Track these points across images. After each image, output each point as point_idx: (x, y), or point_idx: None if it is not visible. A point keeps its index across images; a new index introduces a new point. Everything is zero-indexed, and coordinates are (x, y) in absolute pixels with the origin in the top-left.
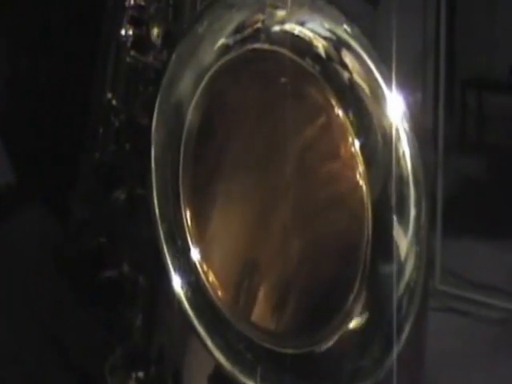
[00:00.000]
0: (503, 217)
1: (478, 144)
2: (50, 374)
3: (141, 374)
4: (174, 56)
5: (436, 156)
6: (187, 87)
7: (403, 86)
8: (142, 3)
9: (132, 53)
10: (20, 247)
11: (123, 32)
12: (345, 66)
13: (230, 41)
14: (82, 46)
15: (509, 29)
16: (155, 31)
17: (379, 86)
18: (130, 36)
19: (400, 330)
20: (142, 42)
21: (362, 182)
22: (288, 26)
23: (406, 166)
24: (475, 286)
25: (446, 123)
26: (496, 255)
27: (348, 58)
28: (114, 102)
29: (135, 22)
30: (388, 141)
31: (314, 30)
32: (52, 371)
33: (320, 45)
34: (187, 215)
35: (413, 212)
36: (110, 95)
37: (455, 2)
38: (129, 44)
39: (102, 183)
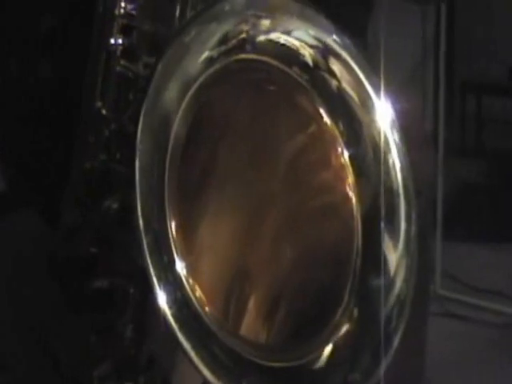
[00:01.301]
0: (503, 221)
1: (478, 147)
2: (37, 381)
3: None
4: (160, 65)
5: (435, 159)
6: (173, 97)
7: (393, 93)
8: (132, 12)
9: (122, 62)
10: (11, 254)
11: (113, 41)
12: (333, 74)
13: (215, 53)
14: (72, 55)
15: (508, 32)
16: (145, 40)
17: (368, 95)
18: (120, 45)
19: (389, 342)
20: (131, 50)
21: (351, 193)
22: (273, 36)
23: (397, 178)
24: (475, 290)
25: (446, 127)
26: (496, 260)
27: (336, 66)
28: (103, 110)
29: (125, 31)
30: (378, 151)
31: (300, 38)
32: (41, 380)
33: (307, 53)
34: (173, 227)
35: (403, 224)
36: (99, 104)
37: (454, 6)
38: (118, 53)
39: (93, 192)
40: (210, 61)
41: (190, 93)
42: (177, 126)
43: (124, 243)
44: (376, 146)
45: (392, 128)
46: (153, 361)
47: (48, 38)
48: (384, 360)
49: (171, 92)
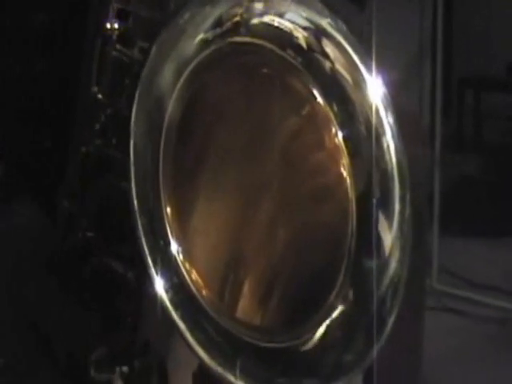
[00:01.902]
0: (500, 215)
1: (476, 142)
2: (34, 368)
3: (125, 369)
4: (154, 47)
5: (433, 154)
6: (168, 79)
7: (387, 75)
8: None
9: (117, 46)
10: (6, 240)
11: (108, 25)
12: (326, 56)
13: (210, 35)
14: (68, 40)
15: (506, 27)
16: (140, 25)
17: (361, 75)
18: (116, 29)
19: (383, 324)
20: (127, 35)
21: (346, 175)
22: (267, 18)
23: (391, 161)
24: (472, 285)
25: (444, 122)
26: (493, 254)
27: (329, 48)
28: (99, 95)
29: (120, 16)
30: (370, 128)
31: (293, 20)
32: (37, 365)
33: (300, 35)
34: (168, 211)
35: (397, 206)
36: (95, 89)
37: (452, 1)
38: (114, 37)
39: (89, 177)
40: (205, 43)
41: (185, 75)
42: (171, 109)
43: (120, 227)
44: (370, 128)
45: (386, 110)
46: (148, 345)
47: (44, 33)
48: (377, 342)
49: (166, 74)
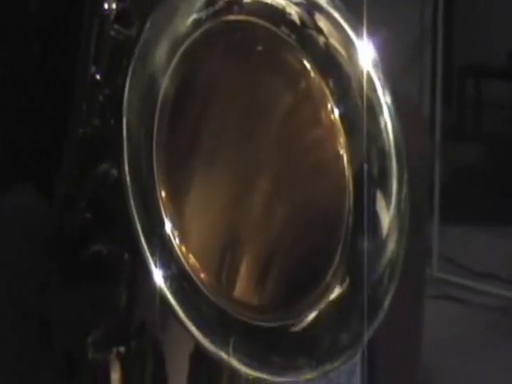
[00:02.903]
0: (501, 204)
1: (476, 131)
2: (31, 349)
3: (122, 349)
4: (148, 24)
5: (433, 143)
6: (162, 57)
7: (375, 35)
8: None
9: (115, 26)
10: (4, 223)
11: (106, 5)
12: (320, 31)
13: (203, 15)
14: (66, 20)
15: (507, 16)
16: (138, 5)
17: (354, 46)
18: (114, 9)
19: (379, 305)
20: (125, 15)
21: (342, 152)
22: None
23: (388, 139)
24: (473, 273)
25: (444, 111)
26: (493, 242)
27: (322, 22)
28: (97, 76)
29: None
30: (368, 108)
31: None
32: (33, 346)
33: (293, 11)
34: (162, 193)
35: (395, 185)
36: (93, 69)
37: None
38: (112, 17)
39: (87, 158)
40: (198, 23)
41: (179, 54)
42: (165, 87)
43: (118, 210)
44: (367, 103)
45: (383, 89)
46: (144, 326)
47: (41, 14)
48: (371, 322)
49: (160, 52)
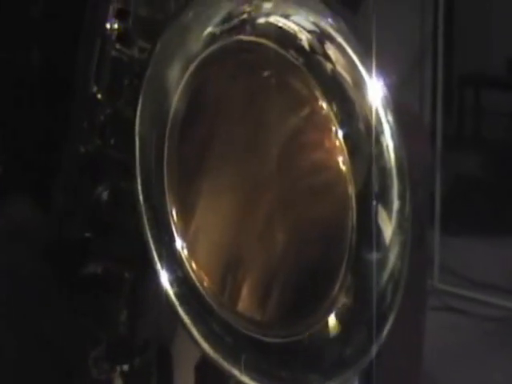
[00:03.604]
0: (502, 214)
1: (476, 140)
2: (33, 366)
3: (125, 367)
4: (158, 46)
5: (434, 152)
6: (174, 76)
7: (384, 74)
8: None
9: (117, 46)
10: (3, 238)
11: (108, 25)
12: (328, 58)
13: (217, 30)
14: (68, 39)
15: (506, 24)
16: (140, 25)
17: (361, 76)
18: (115, 29)
19: (384, 320)
20: (127, 35)
21: (346, 172)
22: (273, 19)
23: (390, 159)
24: (474, 284)
25: (444, 119)
26: (495, 253)
27: (331, 51)
28: (99, 95)
29: (120, 16)
30: (371, 131)
31: (298, 23)
32: (35, 363)
33: (304, 37)
34: (172, 206)
35: (396, 203)
36: (95, 89)
37: None
38: (114, 37)
39: (87, 177)
40: (213, 37)
41: (190, 70)
42: (176, 105)
43: (118, 227)
44: (369, 126)
45: (386, 109)
46: (148, 343)
47: (42, 22)
48: (377, 337)
49: (171, 72)
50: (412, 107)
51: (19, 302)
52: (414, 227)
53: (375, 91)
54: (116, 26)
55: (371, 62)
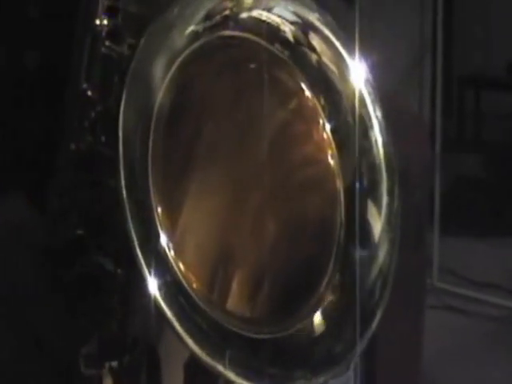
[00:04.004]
0: (501, 214)
1: (476, 141)
2: (23, 363)
3: (114, 364)
4: (143, 41)
5: (433, 153)
6: (158, 72)
7: (369, 61)
8: None
9: (107, 43)
10: None
11: (98, 22)
12: (313, 49)
13: (200, 28)
14: (57, 36)
15: (506, 26)
16: (130, 21)
17: (347, 67)
18: (105, 26)
19: (372, 315)
20: (116, 32)
21: (334, 166)
22: (256, 13)
23: (379, 154)
24: (473, 283)
25: (444, 121)
26: (494, 253)
27: (315, 41)
28: (89, 92)
29: (110, 12)
30: (359, 124)
31: (280, 14)
32: (25, 360)
33: (288, 29)
34: (157, 206)
35: (385, 199)
36: (85, 86)
37: (452, 0)
38: (104, 34)
39: (79, 174)
40: (195, 35)
41: (174, 68)
42: (160, 102)
43: (111, 225)
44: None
45: (374, 104)
46: (137, 340)
47: (32, 20)
48: (364, 333)
49: (155, 68)
50: (411, 108)
51: (11, 300)
52: (414, 227)
53: (360, 78)
54: (106, 22)
55: (355, 52)
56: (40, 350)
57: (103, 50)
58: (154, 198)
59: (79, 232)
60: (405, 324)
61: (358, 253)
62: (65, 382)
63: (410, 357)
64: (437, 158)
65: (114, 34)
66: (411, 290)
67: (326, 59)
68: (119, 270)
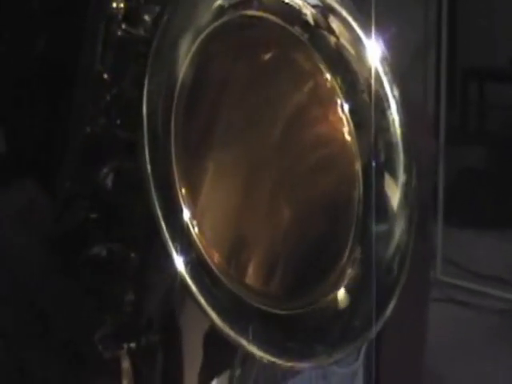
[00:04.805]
0: (504, 207)
1: (480, 134)
2: (39, 350)
3: (132, 345)
4: (166, 18)
5: (437, 146)
6: (180, 49)
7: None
8: None
9: (123, 26)
10: (8, 221)
11: (114, 4)
12: (332, 32)
13: (226, 3)
14: (73, 18)
15: (510, 18)
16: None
17: (365, 48)
18: (121, 8)
19: (390, 294)
20: (133, 14)
21: (351, 144)
22: None
23: (396, 133)
24: (476, 276)
25: (448, 113)
26: (497, 246)
27: (335, 24)
28: (104, 75)
29: None
30: (375, 102)
31: None
32: (41, 347)
33: (309, 12)
34: (180, 184)
35: (402, 177)
36: (100, 68)
37: None
38: (120, 17)
39: (92, 157)
40: (221, 10)
41: (196, 43)
42: (182, 78)
43: (124, 208)
44: (374, 99)
45: (391, 84)
46: (154, 321)
47: (44, 18)
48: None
49: (179, 44)
50: (416, 100)
51: (25, 286)
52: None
53: (375, 53)
54: (122, 5)
55: (371, 26)
56: (56, 336)
57: (119, 32)
58: (177, 176)
59: (91, 215)
60: (408, 316)
61: (375, 228)
62: (79, 368)
63: (413, 349)
64: (440, 150)
65: (130, 16)
66: (415, 282)
67: (344, 41)
68: (133, 253)
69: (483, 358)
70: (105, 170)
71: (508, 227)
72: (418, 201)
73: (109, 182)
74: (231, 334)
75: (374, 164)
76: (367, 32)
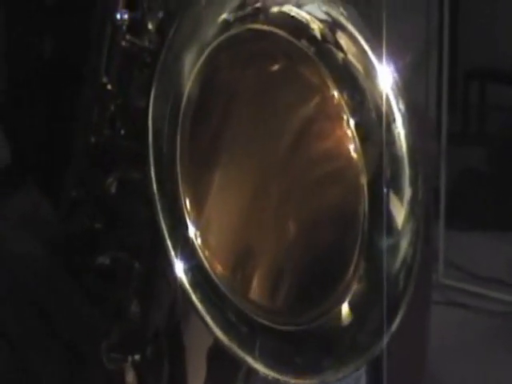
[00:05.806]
0: (506, 209)
1: (481, 135)
2: (44, 359)
3: (137, 357)
4: (173, 31)
5: (439, 147)
6: (187, 62)
7: (395, 61)
8: None
9: (127, 36)
10: (13, 229)
11: (118, 16)
12: (339, 47)
13: (231, 17)
14: (77, 30)
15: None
16: (150, 14)
17: (372, 64)
18: (126, 20)
19: (396, 306)
20: (137, 25)
21: (357, 160)
22: (286, 8)
23: (401, 147)
24: (478, 279)
25: (449, 114)
26: (499, 248)
27: (343, 40)
28: (109, 86)
29: (130, 6)
30: (381, 116)
31: (311, 12)
32: (45, 355)
33: (316, 27)
34: (185, 195)
35: (408, 190)
36: (105, 79)
37: None
38: (124, 28)
39: (97, 167)
40: (226, 24)
41: (203, 57)
42: (188, 92)
43: (128, 217)
44: (381, 115)
45: (397, 97)
46: (159, 333)
47: (51, 13)
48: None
49: (185, 57)
50: (418, 102)
51: (29, 294)
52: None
53: (386, 78)
54: (126, 16)
55: (382, 50)
56: (61, 346)
57: (124, 43)
58: (182, 188)
59: (96, 224)
60: (410, 319)
61: (384, 243)
62: (85, 377)
63: (415, 352)
64: (442, 152)
65: (134, 27)
66: (417, 285)
67: (351, 57)
68: (136, 263)
69: (485, 360)
70: (109, 180)
71: (510, 229)
72: (424, 212)
73: (113, 191)
74: (238, 352)
75: (384, 184)
76: (377, 52)
